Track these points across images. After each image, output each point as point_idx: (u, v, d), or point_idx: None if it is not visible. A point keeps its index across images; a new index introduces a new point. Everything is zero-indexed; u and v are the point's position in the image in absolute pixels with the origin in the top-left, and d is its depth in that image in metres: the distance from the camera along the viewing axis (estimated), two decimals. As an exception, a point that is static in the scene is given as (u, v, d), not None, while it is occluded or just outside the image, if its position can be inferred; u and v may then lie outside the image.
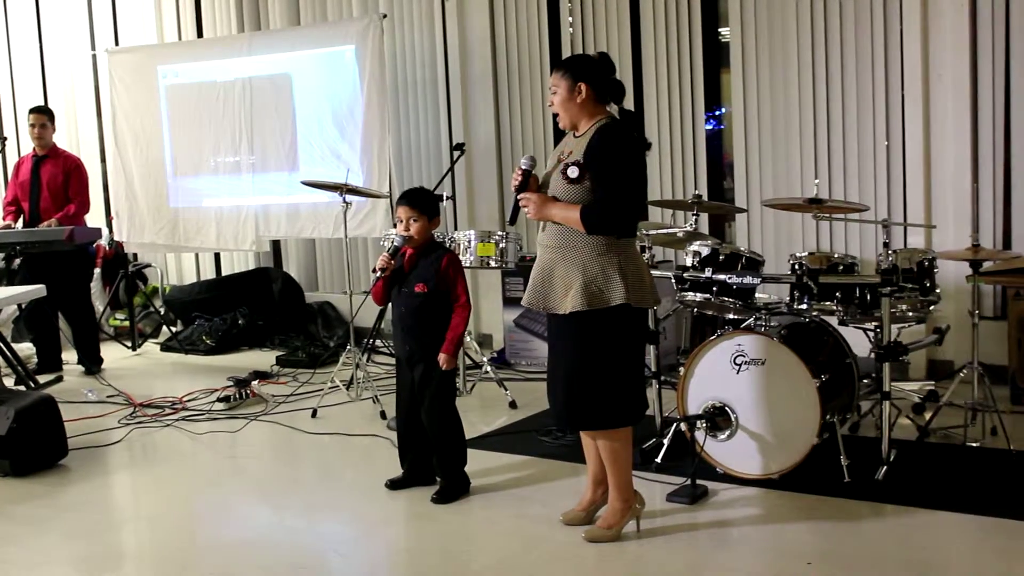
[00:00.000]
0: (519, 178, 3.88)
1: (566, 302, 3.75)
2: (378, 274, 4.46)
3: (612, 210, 3.71)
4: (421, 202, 4.44)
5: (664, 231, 5.26)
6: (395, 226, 4.53)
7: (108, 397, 6.68)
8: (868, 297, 4.62)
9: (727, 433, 4.46)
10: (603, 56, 3.91)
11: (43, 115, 7.62)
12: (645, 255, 4.83)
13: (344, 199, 6.23)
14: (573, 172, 3.73)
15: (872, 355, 4.76)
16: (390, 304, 4.60)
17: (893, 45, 6.29)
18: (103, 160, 9.67)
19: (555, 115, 3.92)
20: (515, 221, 4.03)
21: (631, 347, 3.91)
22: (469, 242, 5.98)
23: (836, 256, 4.79)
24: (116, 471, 5.28)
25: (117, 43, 9.60)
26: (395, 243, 4.46)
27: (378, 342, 7.39)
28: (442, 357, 4.37)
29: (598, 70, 3.84)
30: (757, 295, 4.85)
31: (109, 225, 9.14)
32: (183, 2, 9.36)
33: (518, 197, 3.88)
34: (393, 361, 5.97)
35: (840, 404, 4.55)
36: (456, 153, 7.00)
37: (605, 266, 3.73)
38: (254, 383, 6.56)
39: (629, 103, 7.03)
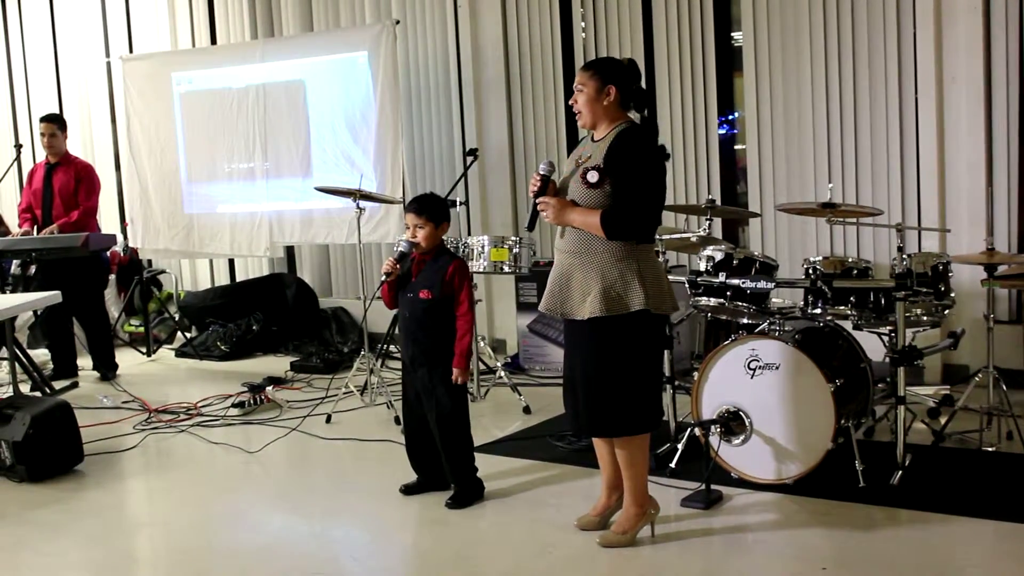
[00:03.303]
0: (538, 183, 3.85)
1: (584, 308, 3.74)
2: (383, 278, 4.48)
3: (632, 215, 3.69)
4: (427, 208, 4.43)
5: (678, 236, 5.26)
6: (407, 230, 4.54)
7: (123, 403, 6.70)
8: (882, 301, 4.61)
9: (741, 438, 4.45)
10: (631, 62, 3.91)
11: (53, 124, 7.65)
12: (659, 260, 4.83)
13: (357, 205, 6.24)
14: (593, 177, 3.72)
15: (887, 359, 4.74)
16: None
17: (906, 48, 6.28)
18: (118, 167, 9.73)
19: (576, 113, 3.90)
20: (534, 227, 4.02)
21: (649, 353, 3.90)
22: (482, 247, 5.99)
23: (850, 260, 4.78)
24: (131, 477, 5.30)
25: (131, 50, 9.66)
26: (401, 248, 4.47)
27: (392, 347, 7.40)
28: (455, 372, 4.37)
29: (627, 75, 3.84)
30: (771, 300, 4.84)
31: (124, 231, 9.19)
32: (197, 9, 9.40)
33: (537, 201, 3.87)
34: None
35: (855, 409, 4.54)
36: (469, 158, 7.00)
37: (624, 272, 3.72)
38: (268, 389, 6.58)
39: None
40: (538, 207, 3.86)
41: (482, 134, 7.86)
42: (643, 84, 3.94)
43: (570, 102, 3.91)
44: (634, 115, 3.89)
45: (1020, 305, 6.09)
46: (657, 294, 3.77)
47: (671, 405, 5.03)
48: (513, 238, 6.05)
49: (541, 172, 3.87)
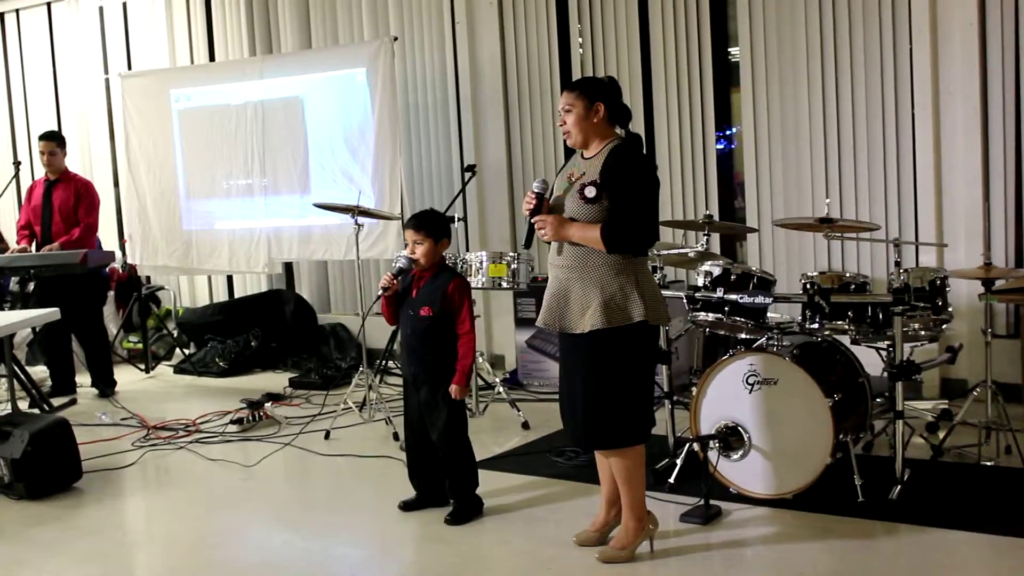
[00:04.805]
0: (532, 202, 3.89)
1: (584, 321, 3.76)
2: (380, 292, 4.48)
3: (633, 227, 3.72)
4: (426, 225, 4.43)
5: (676, 251, 5.26)
6: (406, 247, 4.54)
7: (122, 420, 6.69)
8: (880, 316, 4.62)
9: (740, 453, 4.45)
10: (612, 80, 3.98)
11: (52, 142, 7.65)
12: (657, 275, 4.85)
13: (356, 221, 6.25)
14: (591, 192, 3.75)
15: (885, 374, 4.75)
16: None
17: (903, 63, 6.31)
18: (116, 184, 9.73)
19: (564, 134, 3.93)
20: (530, 244, 4.03)
21: (646, 364, 3.94)
22: (481, 263, 5.99)
23: (848, 275, 4.79)
24: (130, 494, 5.30)
25: (130, 67, 9.67)
26: (400, 264, 4.48)
27: (390, 363, 7.40)
28: (454, 388, 4.37)
29: (611, 92, 3.89)
30: (769, 315, 4.85)
31: (122, 248, 9.19)
32: (195, 26, 9.42)
33: (533, 220, 3.89)
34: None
35: (853, 423, 4.54)
36: (467, 175, 7.02)
37: (623, 284, 3.75)
38: (267, 405, 6.58)
39: (640, 123, 7.08)
40: (535, 225, 3.89)
41: (480, 150, 7.88)
42: (627, 97, 3.97)
43: (559, 123, 3.94)
44: (618, 131, 3.92)
45: (1018, 319, 6.10)
46: (654, 305, 3.81)
47: (669, 420, 5.03)
48: (511, 254, 6.04)
49: (535, 190, 3.91)
